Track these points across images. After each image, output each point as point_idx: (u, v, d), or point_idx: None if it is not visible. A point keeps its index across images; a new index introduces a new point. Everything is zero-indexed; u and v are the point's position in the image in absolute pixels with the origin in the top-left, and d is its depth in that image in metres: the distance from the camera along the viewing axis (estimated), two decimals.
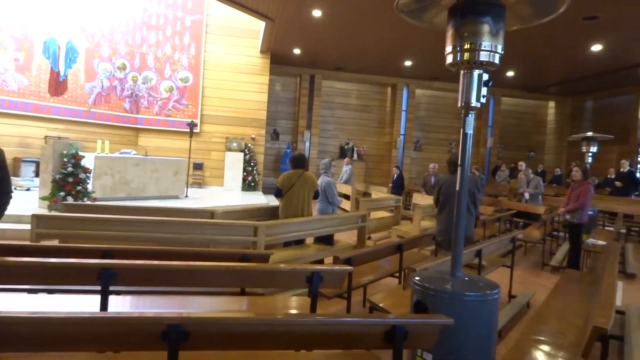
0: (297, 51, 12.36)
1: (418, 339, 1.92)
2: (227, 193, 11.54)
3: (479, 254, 3.96)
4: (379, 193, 10.71)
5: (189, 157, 10.65)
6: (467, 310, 2.13)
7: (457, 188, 2.33)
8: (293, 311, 2.88)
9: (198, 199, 9.77)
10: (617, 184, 11.33)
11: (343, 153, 14.93)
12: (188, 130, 10.66)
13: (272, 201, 8.65)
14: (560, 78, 13.96)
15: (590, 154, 7.08)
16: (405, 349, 1.91)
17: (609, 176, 11.66)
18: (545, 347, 2.61)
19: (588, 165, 6.56)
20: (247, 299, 3.02)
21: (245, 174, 12.24)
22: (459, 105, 2.27)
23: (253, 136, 12.69)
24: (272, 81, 14.18)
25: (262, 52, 12.57)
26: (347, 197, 9.80)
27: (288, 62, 13.80)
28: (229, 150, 12.37)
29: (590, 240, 6.08)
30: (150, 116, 12.40)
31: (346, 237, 6.01)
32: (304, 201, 5.17)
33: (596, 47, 10.15)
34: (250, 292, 3.13)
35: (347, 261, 3.46)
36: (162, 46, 12.34)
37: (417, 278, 2.33)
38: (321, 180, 5.62)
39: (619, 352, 3.37)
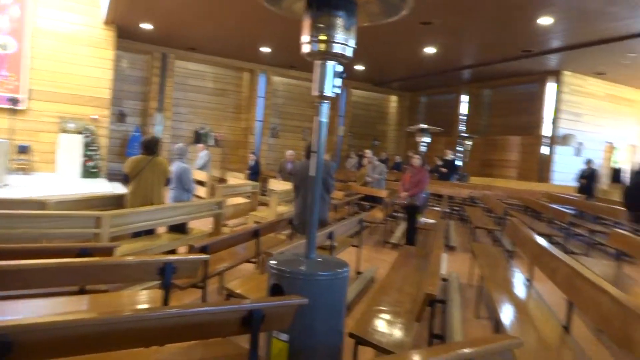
0: (147, 26, 11.39)
1: (275, 321, 1.96)
2: (62, 180, 10.17)
3: (331, 235, 4.21)
4: (236, 179, 10.61)
5: (11, 139, 9.07)
6: (320, 289, 2.25)
7: (311, 173, 2.43)
8: (143, 306, 2.69)
9: (23, 187, 8.42)
10: (443, 170, 13.15)
11: (198, 138, 14.38)
12: (8, 106, 9.04)
13: (119, 189, 7.92)
14: (401, 75, 15.52)
15: (423, 144, 8.05)
16: (262, 332, 1.93)
17: (437, 163, 13.46)
18: (386, 316, 2.91)
19: (423, 154, 7.45)
20: (89, 298, 2.73)
21: (85, 158, 10.91)
22: (314, 94, 2.35)
23: (94, 116, 11.32)
24: (118, 57, 12.85)
25: (106, 23, 11.23)
26: (202, 183, 9.49)
27: (137, 38, 12.65)
28: (64, 131, 10.86)
29: (423, 220, 6.95)
30: None
31: (201, 225, 5.84)
32: (153, 188, 4.84)
33: (430, 50, 11.52)
34: (92, 290, 2.83)
35: (203, 249, 3.36)
36: None
37: (273, 262, 2.37)
38: (176, 167, 5.33)
39: (443, 313, 3.94)
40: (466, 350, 1.53)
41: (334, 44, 2.23)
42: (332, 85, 2.33)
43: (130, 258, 2.90)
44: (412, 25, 9.32)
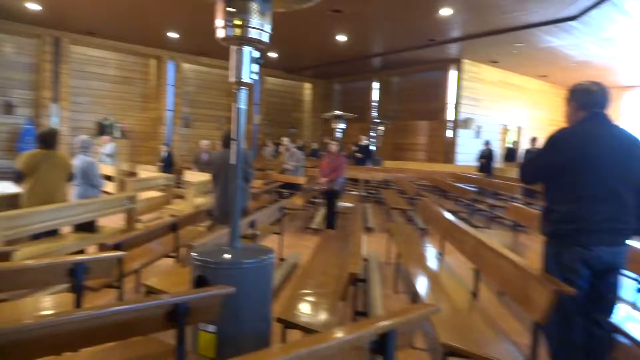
0: (34, 6, 10.23)
1: (201, 313, 1.92)
2: None
3: (253, 224, 4.18)
4: (147, 172, 10.06)
5: None
6: (246, 277, 2.24)
7: (232, 162, 2.39)
8: (50, 311, 2.48)
9: None
10: (358, 155, 13.59)
11: (102, 130, 13.36)
12: None
13: (11, 188, 7.12)
14: (314, 62, 15.67)
15: (339, 130, 8.25)
16: (188, 325, 1.88)
17: (353, 149, 13.87)
18: (312, 298, 2.97)
19: (339, 140, 7.63)
20: None
21: None
22: (231, 80, 2.30)
23: None
24: (1, 41, 11.47)
25: None
26: (109, 178, 8.87)
27: (23, 19, 11.35)
28: None
29: (341, 204, 7.15)
30: None
31: (112, 222, 5.48)
32: (54, 185, 4.44)
33: (341, 38, 11.74)
34: None
35: (117, 246, 3.16)
36: None
37: (196, 254, 2.30)
38: (79, 161, 4.92)
39: (364, 290, 4.12)
40: (388, 322, 1.62)
41: (250, 29, 2.19)
42: (249, 71, 2.29)
43: (32, 261, 2.64)
44: (323, 13, 9.43)
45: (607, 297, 2.35)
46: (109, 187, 8.49)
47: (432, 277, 3.53)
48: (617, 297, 2.43)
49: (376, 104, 16.55)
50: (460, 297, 3.08)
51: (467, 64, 13.79)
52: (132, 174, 10.73)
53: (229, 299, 2.03)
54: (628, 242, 2.35)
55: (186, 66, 15.22)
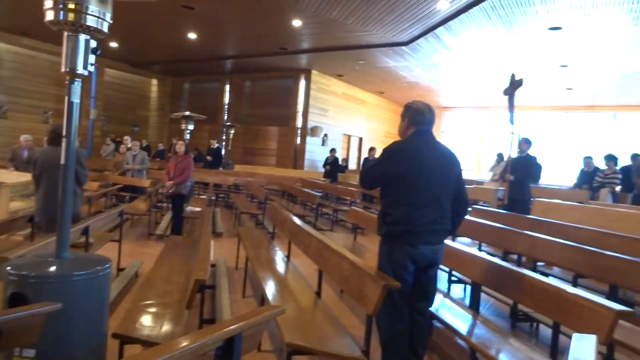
0: None
1: (18, 336, 1.65)
2: None
3: (86, 231, 3.76)
4: None
5: None
6: (76, 291, 2.00)
7: (63, 161, 2.12)
8: None
9: None
10: (208, 158, 13.27)
11: None
12: None
13: None
14: (163, 58, 14.81)
15: (188, 131, 7.93)
16: (1, 351, 1.61)
17: (201, 151, 13.48)
18: (154, 309, 2.79)
19: (187, 141, 7.34)
20: None
21: None
22: (63, 70, 2.04)
23: None
24: None
25: None
26: None
27: None
28: None
29: (189, 208, 6.89)
30: None
31: None
32: None
33: (192, 35, 11.34)
34: None
35: None
36: None
37: (11, 267, 1.98)
38: None
39: (212, 297, 4.04)
40: (234, 326, 1.62)
41: (86, 15, 1.97)
42: (85, 62, 2.06)
43: None
44: (173, 8, 8.99)
45: (428, 289, 2.73)
46: None
47: (280, 279, 3.64)
48: (436, 288, 2.84)
49: (228, 107, 16.37)
50: (305, 297, 3.23)
51: (316, 75, 14.59)
52: None
53: (54, 318, 1.79)
54: (445, 241, 2.78)
55: (2, 46, 12.93)
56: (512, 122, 6.82)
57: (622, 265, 3.05)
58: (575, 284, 3.72)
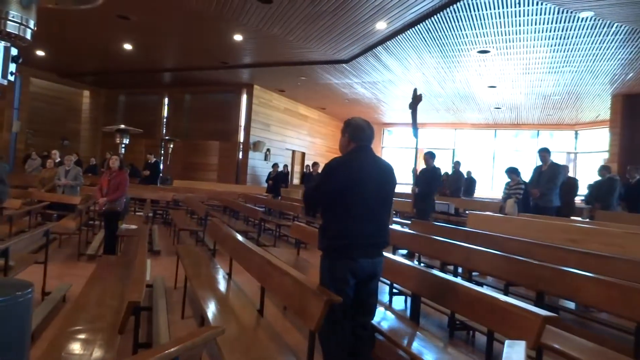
0: None
1: None
2: None
3: (5, 253, 3.45)
4: None
5: None
6: None
7: None
8: None
9: None
10: (146, 173, 12.75)
11: None
12: None
13: None
14: (96, 68, 14.13)
15: (123, 145, 7.59)
16: None
17: (136, 166, 12.93)
18: (84, 335, 2.61)
19: (122, 156, 7.01)
20: None
21: None
22: None
23: None
24: None
25: None
26: None
27: None
28: None
29: (124, 226, 6.55)
30: None
31: None
32: None
33: (128, 46, 10.94)
34: None
35: None
36: None
37: None
38: None
39: (149, 320, 3.84)
40: (171, 350, 1.54)
41: (7, 22, 1.84)
42: (5, 72, 1.91)
43: None
44: (108, 17, 8.65)
45: (370, 302, 2.76)
46: None
47: (220, 298, 3.53)
48: (377, 301, 2.88)
49: (166, 121, 15.88)
50: (247, 316, 3.15)
51: (258, 90, 14.56)
52: None
53: None
54: (385, 253, 2.83)
55: None
56: (415, 136, 6.89)
57: (547, 273, 3.26)
58: (506, 292, 3.92)
